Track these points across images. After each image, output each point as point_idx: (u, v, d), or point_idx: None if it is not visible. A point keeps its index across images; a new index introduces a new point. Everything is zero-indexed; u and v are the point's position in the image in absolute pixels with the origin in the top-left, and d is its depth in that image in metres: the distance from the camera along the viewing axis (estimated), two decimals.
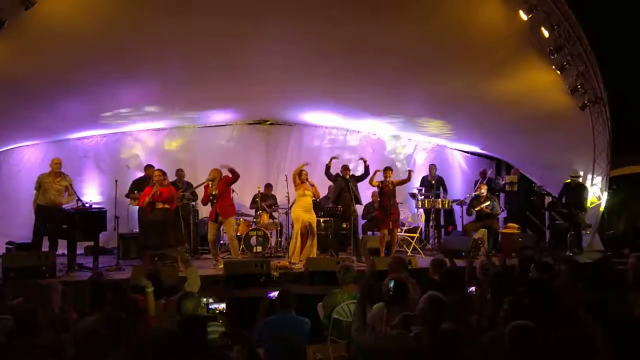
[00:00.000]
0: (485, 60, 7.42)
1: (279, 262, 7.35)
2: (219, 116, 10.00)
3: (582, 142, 8.84)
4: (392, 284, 3.39)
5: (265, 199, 8.99)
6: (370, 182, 7.91)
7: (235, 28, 6.52)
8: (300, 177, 7.62)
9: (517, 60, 7.50)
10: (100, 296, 3.65)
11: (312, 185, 7.70)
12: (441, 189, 9.81)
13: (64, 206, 7.04)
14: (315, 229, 7.70)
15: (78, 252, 7.33)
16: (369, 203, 9.24)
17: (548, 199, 9.47)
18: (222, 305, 3.82)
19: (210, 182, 7.33)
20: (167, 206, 6.84)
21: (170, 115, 9.49)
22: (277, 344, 3.69)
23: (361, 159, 8.10)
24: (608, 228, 9.55)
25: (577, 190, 8.93)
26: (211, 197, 7.33)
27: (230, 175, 7.36)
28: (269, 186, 9.27)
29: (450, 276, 4.07)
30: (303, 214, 7.51)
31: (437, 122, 9.95)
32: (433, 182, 9.82)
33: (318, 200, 7.95)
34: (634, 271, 4.43)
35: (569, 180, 8.98)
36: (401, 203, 8.89)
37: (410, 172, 8.10)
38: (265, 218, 8.80)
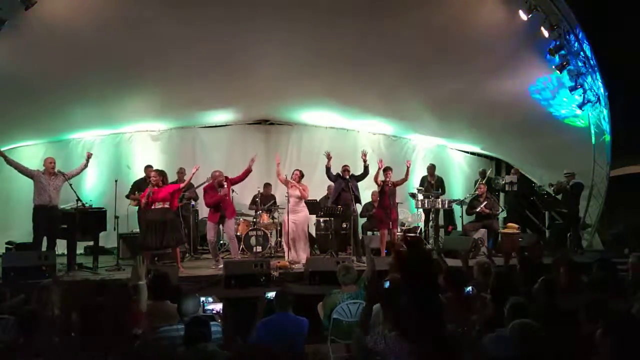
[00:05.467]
0: (485, 60, 7.43)
1: (279, 262, 7.36)
2: (219, 116, 10.01)
3: (582, 142, 8.84)
4: (387, 285, 3.38)
5: (264, 199, 8.99)
6: (375, 180, 7.92)
7: (236, 28, 6.53)
8: (292, 177, 7.69)
9: (517, 60, 7.50)
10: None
11: (300, 185, 7.71)
12: (440, 189, 9.80)
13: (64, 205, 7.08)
14: (304, 228, 7.73)
15: (78, 252, 7.34)
16: (369, 202, 9.24)
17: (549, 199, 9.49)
18: (219, 306, 3.82)
19: (223, 185, 7.33)
20: (166, 206, 6.85)
21: (171, 115, 9.49)
22: (275, 344, 3.69)
23: (363, 154, 8.07)
24: (608, 228, 9.54)
25: (574, 190, 8.91)
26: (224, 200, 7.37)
27: (239, 175, 7.47)
28: (267, 186, 9.27)
29: (450, 276, 4.07)
30: (286, 214, 7.56)
31: (437, 122, 9.95)
32: (432, 182, 9.81)
33: (302, 200, 7.90)
34: (634, 271, 4.43)
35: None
36: (401, 203, 8.90)
37: (407, 167, 8.07)
38: (265, 218, 8.80)
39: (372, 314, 3.46)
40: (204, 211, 8.77)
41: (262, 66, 7.59)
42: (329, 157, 7.81)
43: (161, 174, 7.06)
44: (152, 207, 6.83)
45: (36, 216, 6.78)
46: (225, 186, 7.35)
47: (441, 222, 9.93)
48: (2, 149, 8.66)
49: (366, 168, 7.97)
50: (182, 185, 7.38)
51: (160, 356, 3.08)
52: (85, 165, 7.24)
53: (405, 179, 8.12)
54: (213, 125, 10.27)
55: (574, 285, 4.12)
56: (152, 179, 6.91)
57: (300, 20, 6.51)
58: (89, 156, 7.15)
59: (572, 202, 8.85)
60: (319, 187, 9.12)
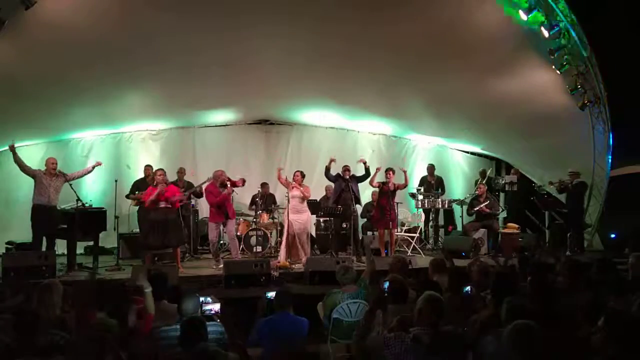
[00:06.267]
0: (485, 60, 7.42)
1: (279, 262, 7.36)
2: (219, 116, 10.01)
3: (582, 142, 8.84)
4: (386, 285, 3.38)
5: (264, 199, 8.99)
6: (371, 183, 7.96)
7: (236, 28, 6.53)
8: (294, 178, 7.73)
9: (517, 60, 7.50)
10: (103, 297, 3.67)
11: (301, 186, 7.72)
12: (439, 189, 9.80)
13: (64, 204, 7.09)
14: (307, 228, 7.74)
15: (78, 252, 7.34)
16: (369, 202, 9.25)
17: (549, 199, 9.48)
18: (217, 306, 3.82)
19: (225, 184, 7.34)
20: (169, 205, 6.87)
21: (170, 115, 9.49)
22: (275, 344, 3.69)
23: (360, 160, 8.10)
24: (608, 228, 9.54)
25: (576, 190, 8.90)
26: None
27: (237, 182, 7.54)
28: (265, 185, 9.27)
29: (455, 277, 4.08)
30: (290, 215, 7.57)
31: (437, 122, 9.95)
32: (432, 182, 9.82)
33: (305, 201, 7.90)
34: (634, 271, 4.43)
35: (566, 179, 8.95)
36: (401, 203, 8.90)
37: (405, 173, 8.10)
38: (265, 218, 8.80)
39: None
40: (204, 211, 8.78)
41: (262, 66, 7.58)
42: (331, 161, 7.84)
43: (164, 173, 7.09)
44: (156, 206, 6.84)
45: (35, 215, 6.78)
46: (229, 185, 7.36)
47: (441, 222, 9.94)
48: (2, 149, 8.73)
49: (367, 170, 8.00)
50: (183, 196, 7.40)
51: (160, 356, 3.09)
52: (89, 171, 7.26)
53: (405, 184, 8.16)
54: (213, 125, 10.27)
55: (575, 285, 4.11)
56: (159, 177, 6.90)
57: (300, 21, 6.51)
58: (98, 164, 7.24)
59: (574, 202, 8.85)
60: (318, 187, 9.12)
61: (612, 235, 9.30)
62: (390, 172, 8.00)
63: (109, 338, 2.69)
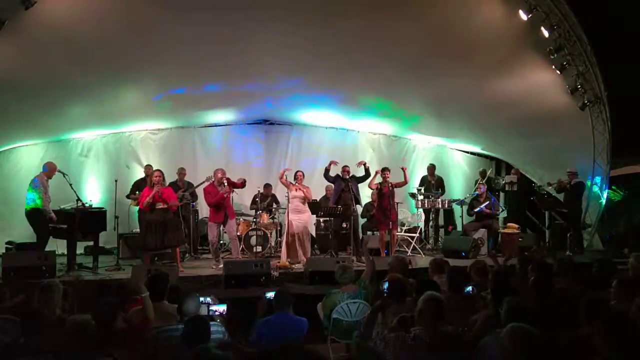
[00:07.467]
0: (485, 60, 7.43)
1: (279, 262, 7.36)
2: (219, 116, 10.00)
3: (582, 142, 8.84)
4: (385, 286, 3.38)
5: (264, 199, 8.99)
6: (369, 186, 7.98)
7: (235, 26, 6.53)
8: (295, 179, 7.72)
9: (517, 60, 7.50)
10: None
11: (304, 187, 7.72)
12: (440, 189, 9.80)
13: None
14: (307, 229, 7.74)
15: (78, 252, 7.34)
16: (369, 202, 9.25)
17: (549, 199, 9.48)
18: (223, 307, 3.82)
19: (223, 183, 7.33)
20: (166, 206, 6.86)
21: (171, 115, 9.48)
22: (274, 344, 3.69)
23: (361, 162, 8.10)
24: (608, 228, 9.55)
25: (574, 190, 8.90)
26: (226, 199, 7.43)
27: (238, 183, 7.49)
28: (268, 186, 9.27)
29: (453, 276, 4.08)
30: (290, 215, 7.57)
31: (437, 122, 9.95)
32: (432, 182, 9.81)
33: (307, 201, 7.89)
34: (634, 271, 4.44)
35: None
36: (401, 203, 8.90)
37: (404, 170, 8.09)
38: (265, 218, 8.80)
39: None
40: (204, 211, 8.78)
41: (262, 65, 7.59)
42: (332, 163, 7.84)
43: (162, 174, 7.08)
44: (154, 207, 6.83)
45: (38, 218, 6.80)
46: (226, 184, 7.35)
47: (441, 222, 9.93)
48: (2, 149, 8.74)
49: (367, 170, 8.01)
50: (179, 203, 7.45)
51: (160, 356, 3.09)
52: None
53: (405, 182, 8.16)
54: (213, 125, 10.27)
55: (575, 285, 4.11)
56: (155, 179, 6.89)
57: (300, 21, 6.51)
58: None
59: (573, 202, 8.85)
60: (318, 188, 9.11)
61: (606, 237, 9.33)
62: (387, 172, 8.00)
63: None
